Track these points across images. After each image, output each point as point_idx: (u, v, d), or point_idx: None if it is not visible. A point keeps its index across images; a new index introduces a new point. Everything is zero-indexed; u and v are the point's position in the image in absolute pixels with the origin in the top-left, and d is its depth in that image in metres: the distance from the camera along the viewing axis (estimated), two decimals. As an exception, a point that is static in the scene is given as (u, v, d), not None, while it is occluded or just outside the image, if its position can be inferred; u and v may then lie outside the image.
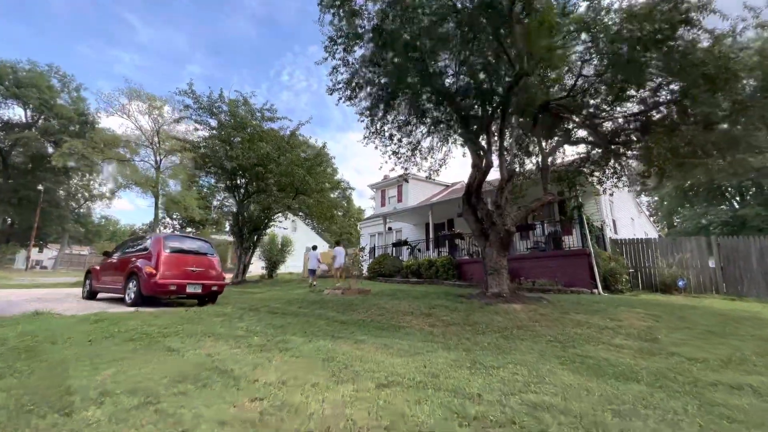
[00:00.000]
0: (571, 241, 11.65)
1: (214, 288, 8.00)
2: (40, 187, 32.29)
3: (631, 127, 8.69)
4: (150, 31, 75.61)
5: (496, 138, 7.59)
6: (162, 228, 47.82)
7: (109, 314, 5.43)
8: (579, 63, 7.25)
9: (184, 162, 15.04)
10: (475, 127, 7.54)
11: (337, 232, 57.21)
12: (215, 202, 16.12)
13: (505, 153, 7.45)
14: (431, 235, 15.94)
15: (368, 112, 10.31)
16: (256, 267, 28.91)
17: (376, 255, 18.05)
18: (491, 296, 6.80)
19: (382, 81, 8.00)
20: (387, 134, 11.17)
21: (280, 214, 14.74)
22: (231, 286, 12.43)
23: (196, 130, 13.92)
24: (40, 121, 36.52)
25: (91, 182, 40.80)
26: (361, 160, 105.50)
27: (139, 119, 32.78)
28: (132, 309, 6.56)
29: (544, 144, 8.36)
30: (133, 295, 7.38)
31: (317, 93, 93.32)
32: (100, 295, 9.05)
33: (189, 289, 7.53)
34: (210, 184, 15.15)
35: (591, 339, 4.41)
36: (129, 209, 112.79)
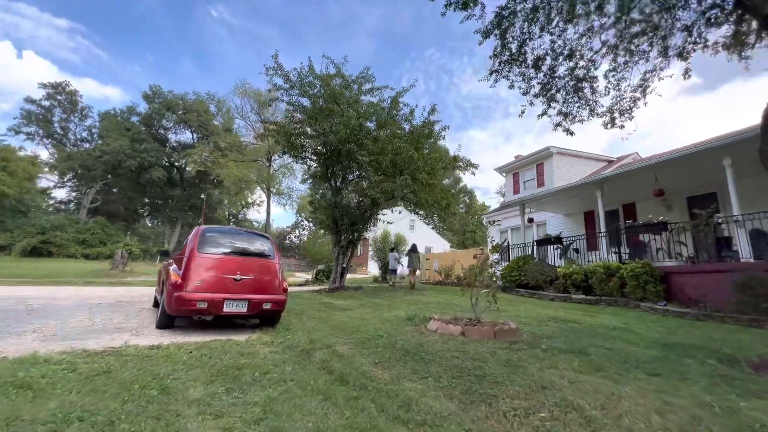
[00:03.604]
0: None
1: (267, 306, 5.25)
2: (202, 196, 38.32)
3: None
4: (293, 62, 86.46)
5: None
6: (298, 231, 51.90)
7: (55, 359, 3.03)
8: None
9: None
10: None
11: (459, 230, 52.65)
12: (313, 193, 14.26)
13: None
14: (601, 229, 10.51)
15: (497, 22, 6.32)
16: (374, 268, 27.48)
17: (511, 257, 13.42)
18: None
19: None
20: (530, 59, 6.89)
21: (381, 204, 11.76)
22: (323, 295, 9.99)
23: (287, 111, 12.14)
24: (206, 140, 43.81)
25: (247, 193, 47.05)
26: (485, 158, 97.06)
27: (251, 117, 35.84)
28: (134, 343, 4.26)
29: None
30: (159, 314, 5.25)
31: (435, 95, 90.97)
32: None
33: (227, 308, 4.95)
34: (310, 172, 13.25)
35: None
36: (277, 213, 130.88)
